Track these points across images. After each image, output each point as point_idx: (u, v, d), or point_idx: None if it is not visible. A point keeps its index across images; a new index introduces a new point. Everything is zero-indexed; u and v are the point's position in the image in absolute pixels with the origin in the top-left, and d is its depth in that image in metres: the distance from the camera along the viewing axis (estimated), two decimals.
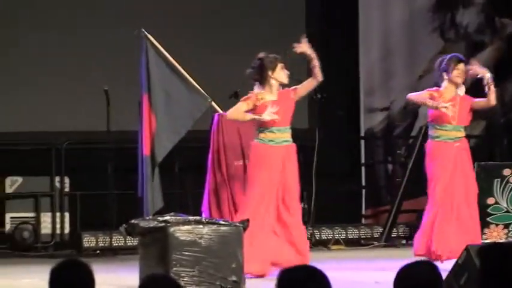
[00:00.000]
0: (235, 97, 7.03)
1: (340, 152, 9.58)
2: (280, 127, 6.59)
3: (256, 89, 6.45)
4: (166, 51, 7.18)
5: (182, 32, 8.60)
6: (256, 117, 6.37)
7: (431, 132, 6.63)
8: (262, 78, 6.30)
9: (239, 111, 6.40)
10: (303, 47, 6.34)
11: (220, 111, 7.18)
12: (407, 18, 9.55)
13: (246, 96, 6.48)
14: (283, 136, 6.63)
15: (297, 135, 6.97)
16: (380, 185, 9.74)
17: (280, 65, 6.48)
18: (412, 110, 8.86)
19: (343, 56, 9.44)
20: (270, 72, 6.32)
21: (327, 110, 8.41)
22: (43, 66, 8.53)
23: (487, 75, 6.42)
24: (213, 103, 7.27)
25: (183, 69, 7.21)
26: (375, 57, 9.61)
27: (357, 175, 9.52)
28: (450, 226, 6.38)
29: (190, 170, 8.77)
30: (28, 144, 8.76)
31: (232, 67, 8.31)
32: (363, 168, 9.53)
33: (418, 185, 8.17)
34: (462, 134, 6.54)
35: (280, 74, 6.49)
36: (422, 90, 6.93)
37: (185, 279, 5.66)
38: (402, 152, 9.71)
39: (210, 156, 7.17)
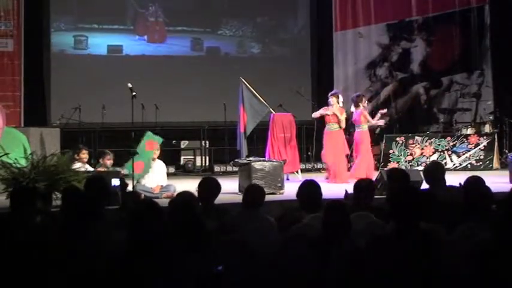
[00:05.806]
0: (280, 106, 10.98)
1: None
2: (334, 123, 9.91)
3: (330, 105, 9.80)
4: (249, 85, 10.31)
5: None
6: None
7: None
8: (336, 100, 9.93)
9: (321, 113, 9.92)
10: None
11: (273, 112, 10.37)
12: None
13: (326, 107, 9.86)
14: (335, 126, 9.91)
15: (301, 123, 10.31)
16: None
17: (334, 99, 9.82)
18: None
19: None
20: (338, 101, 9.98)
21: None
22: None
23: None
24: (270, 109, 10.43)
25: (257, 92, 10.34)
26: None
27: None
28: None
29: (260, 138, 11.27)
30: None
31: (281, 93, 11.78)
32: None
33: None
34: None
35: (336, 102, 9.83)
36: None
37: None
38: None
39: (269, 132, 10.26)
